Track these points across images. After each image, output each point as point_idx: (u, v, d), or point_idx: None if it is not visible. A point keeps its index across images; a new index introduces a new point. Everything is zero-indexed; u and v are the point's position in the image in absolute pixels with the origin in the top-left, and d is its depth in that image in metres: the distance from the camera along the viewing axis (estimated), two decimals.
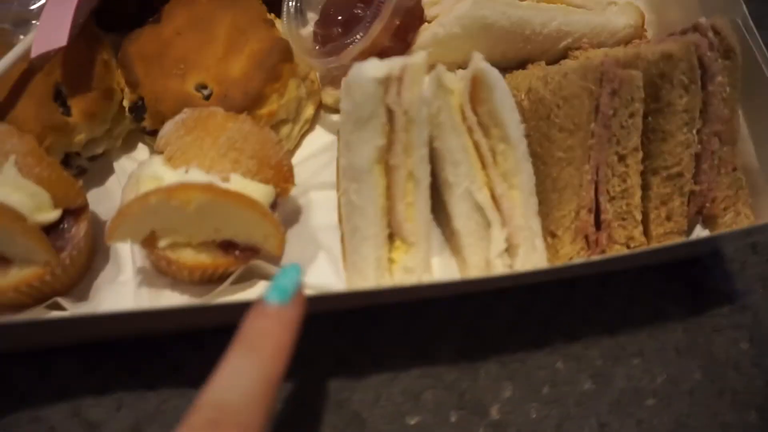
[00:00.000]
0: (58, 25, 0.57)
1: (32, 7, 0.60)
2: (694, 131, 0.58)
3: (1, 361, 0.60)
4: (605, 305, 0.67)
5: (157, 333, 0.62)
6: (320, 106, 0.74)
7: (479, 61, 0.53)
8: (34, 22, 0.60)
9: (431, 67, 0.56)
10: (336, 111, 0.74)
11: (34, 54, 0.56)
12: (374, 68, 0.50)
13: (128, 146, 0.71)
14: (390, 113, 0.52)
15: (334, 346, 0.63)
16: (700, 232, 0.65)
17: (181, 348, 0.62)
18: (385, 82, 0.51)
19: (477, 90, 0.54)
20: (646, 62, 0.58)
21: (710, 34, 0.56)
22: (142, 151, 0.71)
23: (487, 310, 0.66)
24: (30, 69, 0.60)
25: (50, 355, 0.61)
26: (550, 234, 0.62)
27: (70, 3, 0.58)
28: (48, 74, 0.61)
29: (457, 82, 0.56)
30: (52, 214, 0.56)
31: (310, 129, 0.73)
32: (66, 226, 0.57)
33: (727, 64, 0.57)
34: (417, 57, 0.51)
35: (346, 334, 0.64)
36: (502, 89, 0.54)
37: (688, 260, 0.70)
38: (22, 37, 0.60)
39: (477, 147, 0.57)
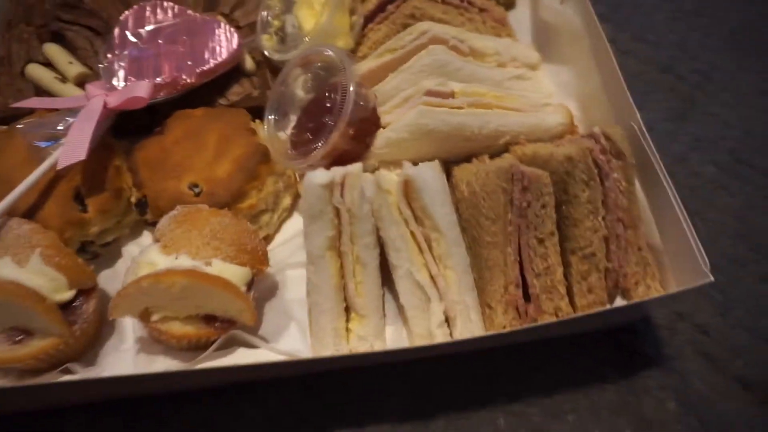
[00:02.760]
0: (80, 143, 0.71)
1: (59, 128, 0.75)
2: (600, 218, 0.69)
3: (13, 422, 0.71)
4: (543, 368, 0.76)
5: (150, 393, 0.72)
6: (297, 197, 0.87)
7: (407, 169, 0.65)
8: (62, 141, 0.75)
9: (380, 167, 0.69)
10: None
11: (59, 167, 0.70)
12: (319, 176, 0.63)
13: (135, 234, 0.83)
14: (337, 210, 0.65)
15: (300, 407, 0.73)
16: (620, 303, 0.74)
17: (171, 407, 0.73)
18: (330, 186, 0.63)
19: (409, 190, 0.67)
20: (556, 162, 0.69)
21: (602, 140, 0.67)
22: (146, 238, 0.84)
23: (435, 374, 0.75)
24: (55, 176, 0.74)
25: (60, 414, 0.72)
26: (487, 306, 0.72)
27: (90, 125, 0.73)
28: (70, 180, 0.75)
29: (394, 183, 0.68)
30: (67, 294, 0.68)
31: (289, 216, 0.86)
32: (78, 303, 0.70)
33: (620, 164, 0.68)
34: (354, 167, 0.63)
35: (310, 394, 0.73)
36: (429, 189, 0.66)
37: (621, 327, 0.79)
38: (51, 151, 0.75)
39: (413, 236, 0.68)
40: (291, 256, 0.82)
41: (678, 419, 0.72)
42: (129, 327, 0.76)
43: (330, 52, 0.78)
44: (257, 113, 0.86)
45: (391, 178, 0.68)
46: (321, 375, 0.74)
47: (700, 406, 0.73)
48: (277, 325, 0.76)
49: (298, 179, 0.86)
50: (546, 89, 0.93)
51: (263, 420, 0.72)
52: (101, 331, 0.75)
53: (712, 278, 0.62)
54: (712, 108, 0.99)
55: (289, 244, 0.83)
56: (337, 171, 0.63)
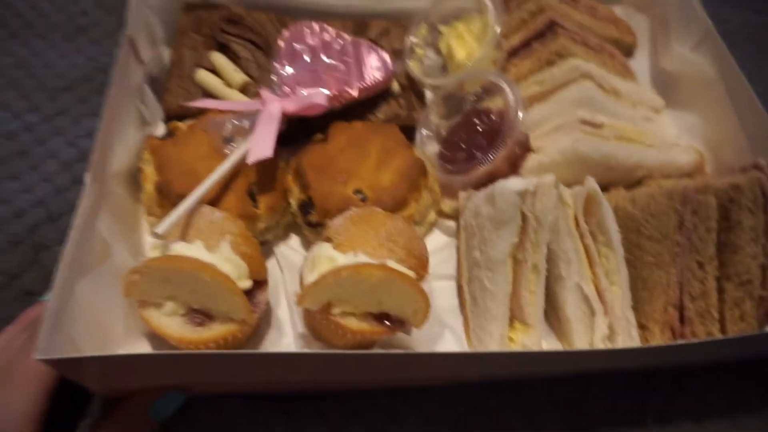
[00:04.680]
0: (266, 142, 0.76)
1: (243, 127, 0.79)
2: (760, 246, 0.72)
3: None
4: (690, 395, 0.77)
5: (305, 389, 0.74)
6: (440, 214, 0.90)
7: (593, 183, 0.70)
8: (241, 140, 0.79)
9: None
10: (450, 218, 0.90)
11: (249, 161, 0.74)
12: (516, 183, 0.67)
13: (285, 236, 0.87)
14: (524, 218, 0.68)
15: (453, 411, 0.74)
16: None
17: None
18: (523, 194, 0.67)
19: (589, 205, 0.71)
20: (715, 190, 0.73)
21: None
22: (294, 240, 0.87)
23: (585, 392, 0.77)
24: (234, 172, 0.78)
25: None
26: (640, 326, 0.75)
27: (273, 126, 0.77)
28: (246, 176, 0.79)
29: (571, 197, 0.72)
30: (248, 283, 0.71)
31: (431, 231, 0.89)
32: (255, 293, 0.72)
33: None
34: (548, 177, 0.68)
35: (464, 402, 0.75)
36: (607, 206, 0.71)
37: (761, 361, 0.81)
38: (230, 148, 0.79)
39: (586, 249, 0.71)
40: (437, 269, 0.84)
41: None
42: (287, 323, 0.78)
43: (499, 79, 0.83)
44: (403, 132, 0.91)
45: (569, 192, 0.72)
46: (474, 385, 0.76)
47: None
48: (431, 332, 0.78)
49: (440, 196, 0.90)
50: (670, 131, 0.99)
51: (418, 421, 0.73)
52: (260, 327, 0.77)
53: None
54: None
55: (435, 257, 0.85)
56: (530, 180, 0.67)
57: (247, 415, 0.72)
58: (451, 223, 0.89)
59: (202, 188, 0.72)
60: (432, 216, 0.88)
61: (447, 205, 0.89)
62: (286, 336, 0.77)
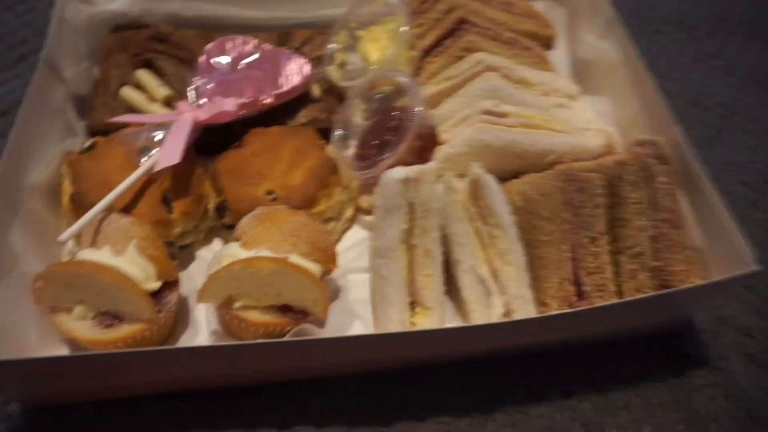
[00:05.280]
0: (174, 150, 0.79)
1: (156, 138, 0.83)
2: (647, 218, 0.74)
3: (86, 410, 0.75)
4: (595, 368, 0.79)
5: (218, 384, 0.76)
6: (357, 210, 0.93)
7: (476, 168, 0.72)
8: (154, 150, 0.83)
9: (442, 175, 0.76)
10: (369, 213, 0.93)
11: (156, 169, 0.78)
12: (399, 172, 0.70)
13: (207, 241, 0.90)
14: (411, 205, 0.71)
15: (365, 399, 0.77)
16: None
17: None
18: (406, 182, 0.70)
19: (476, 189, 0.73)
20: (605, 168, 0.76)
21: (649, 146, 0.75)
22: (217, 244, 0.90)
23: (494, 373, 0.78)
24: (147, 180, 0.82)
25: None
26: (540, 303, 0.77)
27: (183, 135, 0.81)
28: (160, 184, 0.83)
29: (460, 184, 0.75)
30: (155, 284, 0.74)
31: (350, 227, 0.93)
32: (164, 294, 0.76)
33: (666, 168, 0.75)
34: (428, 165, 0.71)
35: (376, 389, 0.77)
36: (493, 188, 0.73)
37: (666, 333, 0.83)
38: (144, 159, 0.83)
39: (477, 232, 0.74)
40: (353, 262, 0.87)
41: (730, 414, 0.75)
42: (203, 322, 0.81)
43: (399, 76, 0.87)
44: (323, 134, 0.94)
45: (458, 179, 0.75)
46: (381, 373, 0.78)
47: (748, 401, 0.76)
48: (342, 323, 0.81)
49: (358, 193, 0.94)
50: (585, 117, 1.01)
51: (329, 411, 0.76)
52: (177, 327, 0.81)
53: (755, 267, 0.67)
54: (738, 136, 1.06)
55: (351, 251, 0.89)
56: (413, 168, 0.71)
57: (162, 414, 0.74)
58: (371, 219, 0.92)
59: (109, 197, 0.76)
60: (349, 212, 0.91)
61: (365, 201, 0.92)
62: (200, 334, 0.80)
